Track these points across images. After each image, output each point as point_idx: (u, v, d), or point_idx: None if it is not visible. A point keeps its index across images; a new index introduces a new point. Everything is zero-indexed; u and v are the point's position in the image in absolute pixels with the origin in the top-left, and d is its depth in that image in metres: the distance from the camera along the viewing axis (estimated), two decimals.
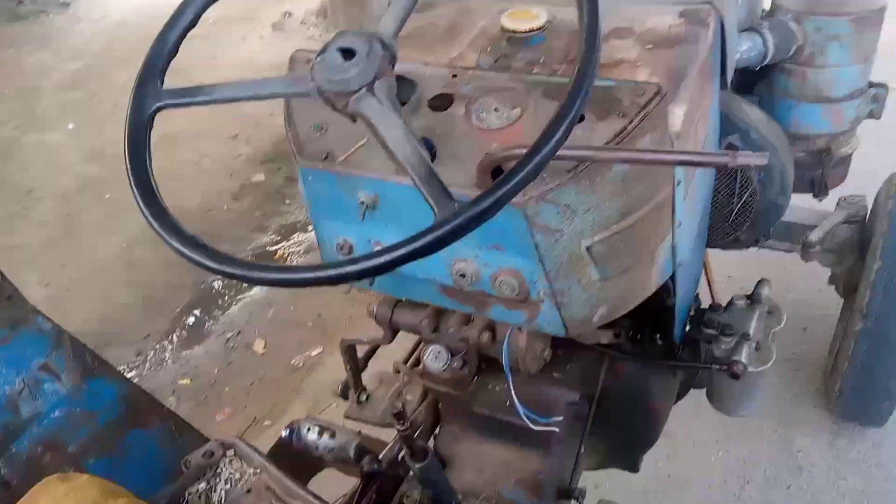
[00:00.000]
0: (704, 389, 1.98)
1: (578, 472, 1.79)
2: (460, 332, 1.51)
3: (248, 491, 1.07)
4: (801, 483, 2.59)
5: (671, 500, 2.57)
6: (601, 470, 2.05)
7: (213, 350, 3.89)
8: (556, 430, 1.44)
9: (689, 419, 2.69)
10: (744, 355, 1.48)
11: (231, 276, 0.82)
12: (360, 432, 1.85)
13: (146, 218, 0.88)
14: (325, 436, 1.68)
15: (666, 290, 1.33)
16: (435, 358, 1.57)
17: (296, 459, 1.89)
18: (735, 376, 1.44)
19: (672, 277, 1.28)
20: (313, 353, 3.73)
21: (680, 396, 1.90)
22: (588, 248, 1.07)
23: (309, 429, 1.71)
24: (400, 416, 1.00)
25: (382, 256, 0.76)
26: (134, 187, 0.90)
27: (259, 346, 3.80)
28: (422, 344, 1.96)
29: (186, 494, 1.06)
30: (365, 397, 1.95)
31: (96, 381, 1.40)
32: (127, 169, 0.92)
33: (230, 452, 1.12)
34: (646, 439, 1.79)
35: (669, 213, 1.13)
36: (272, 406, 3.37)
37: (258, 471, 1.10)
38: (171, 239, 0.85)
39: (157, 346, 3.98)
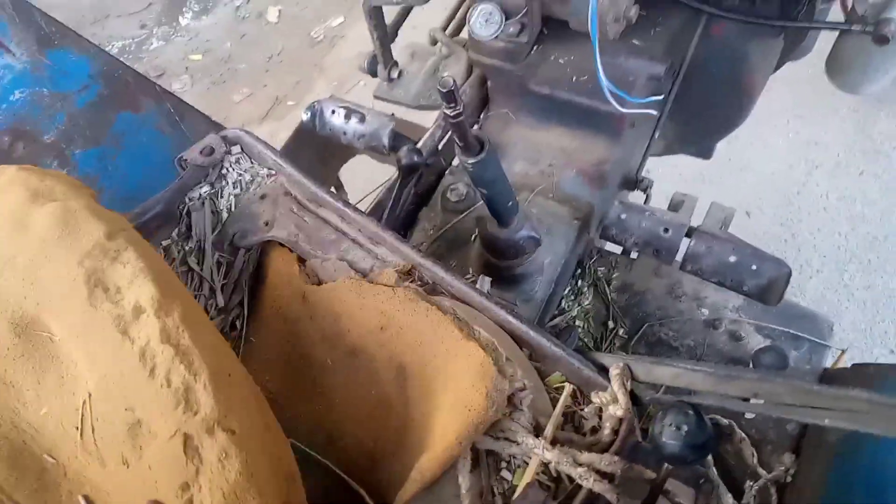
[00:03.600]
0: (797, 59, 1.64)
1: (646, 159, 1.56)
2: None
3: (263, 197, 0.85)
4: (875, 169, 2.37)
5: (728, 187, 2.39)
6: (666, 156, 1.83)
7: (223, 20, 3.49)
8: (654, 112, 1.15)
9: None
10: None
11: None
12: (392, 115, 1.60)
13: None
14: (354, 119, 1.42)
15: None
16: (485, 21, 1.23)
17: (322, 146, 1.68)
18: (883, 40, 1.09)
19: None
20: (334, 24, 3.32)
21: (776, 68, 1.57)
22: None
23: (334, 111, 1.44)
24: (450, 95, 0.72)
25: None
26: None
27: (272, 14, 3.37)
28: (467, 3, 1.59)
29: (186, 200, 0.84)
30: (397, 73, 1.65)
31: (59, 52, 1.11)
32: None
33: (235, 149, 0.87)
34: (732, 120, 1.51)
35: None
36: (294, 84, 3.10)
37: (273, 172, 0.86)
38: None
39: (162, 17, 3.58)
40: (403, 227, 1.35)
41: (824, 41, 1.47)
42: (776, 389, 0.46)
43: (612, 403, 0.60)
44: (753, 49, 1.36)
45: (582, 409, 0.63)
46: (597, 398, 0.61)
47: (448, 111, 0.75)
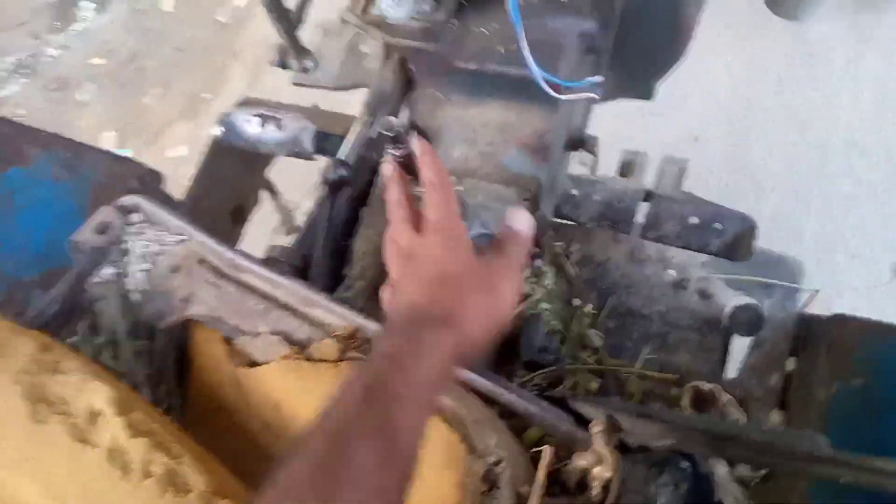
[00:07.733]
0: None
1: (588, 115, 1.48)
2: None
3: (176, 269, 0.74)
4: (816, 72, 2.32)
5: (673, 119, 2.32)
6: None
7: (120, 17, 3.23)
8: (594, 95, 1.07)
9: None
10: None
11: None
12: (315, 106, 1.48)
13: None
14: (270, 126, 1.31)
15: None
16: (395, 2, 1.11)
17: (245, 153, 1.55)
18: None
19: None
20: (241, 3, 3.10)
21: None
22: None
23: (247, 120, 1.33)
24: (397, 139, 0.64)
25: None
26: None
27: (168, 3, 3.12)
28: None
29: (86, 290, 0.73)
30: (312, 63, 1.52)
31: None
32: None
33: (135, 217, 0.76)
34: (673, 58, 1.45)
35: None
36: (208, 76, 2.90)
37: (183, 238, 0.75)
38: None
39: (54, 23, 3.30)
40: (344, 236, 1.26)
41: None
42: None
43: (597, 464, 0.54)
44: None
45: (565, 466, 0.57)
46: (581, 460, 0.55)
47: (395, 152, 0.67)
